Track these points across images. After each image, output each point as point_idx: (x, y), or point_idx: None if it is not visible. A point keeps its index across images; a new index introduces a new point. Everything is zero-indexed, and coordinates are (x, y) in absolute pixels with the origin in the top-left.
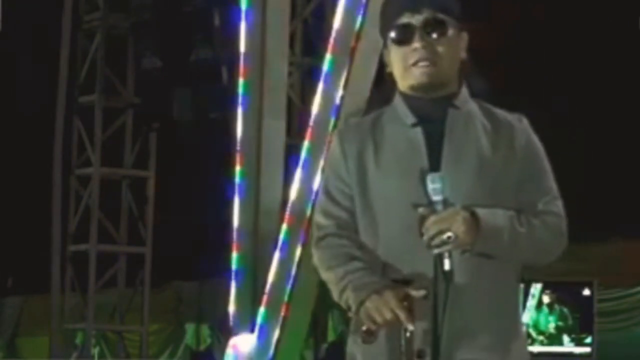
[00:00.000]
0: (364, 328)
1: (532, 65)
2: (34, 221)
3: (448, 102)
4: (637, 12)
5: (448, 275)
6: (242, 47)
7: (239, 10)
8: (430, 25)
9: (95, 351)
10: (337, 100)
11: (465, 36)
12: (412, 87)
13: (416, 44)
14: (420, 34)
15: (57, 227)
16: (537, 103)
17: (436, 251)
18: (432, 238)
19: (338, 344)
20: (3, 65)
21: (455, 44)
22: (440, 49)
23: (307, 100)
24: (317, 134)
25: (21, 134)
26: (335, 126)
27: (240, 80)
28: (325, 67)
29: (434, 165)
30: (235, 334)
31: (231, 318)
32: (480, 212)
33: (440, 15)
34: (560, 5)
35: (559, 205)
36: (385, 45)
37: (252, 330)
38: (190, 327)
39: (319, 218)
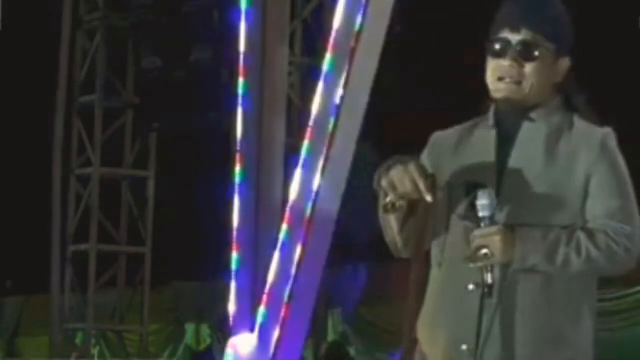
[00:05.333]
0: (387, 200)
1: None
2: (34, 221)
3: (526, 113)
4: (637, 12)
5: (490, 289)
6: (242, 47)
7: (239, 10)
8: (524, 46)
9: (95, 351)
10: (337, 100)
11: (566, 62)
12: (495, 101)
13: (507, 61)
14: (512, 52)
15: (57, 227)
16: None
17: (472, 265)
18: (473, 252)
19: (338, 344)
20: (3, 65)
21: (548, 68)
22: (528, 70)
23: (307, 100)
24: (317, 134)
25: (21, 134)
26: (335, 126)
27: (240, 80)
28: (325, 67)
29: (500, 165)
30: (235, 334)
31: (231, 318)
32: (521, 231)
33: (537, 38)
34: None
35: (631, 223)
36: (486, 55)
37: (252, 330)
38: (190, 327)
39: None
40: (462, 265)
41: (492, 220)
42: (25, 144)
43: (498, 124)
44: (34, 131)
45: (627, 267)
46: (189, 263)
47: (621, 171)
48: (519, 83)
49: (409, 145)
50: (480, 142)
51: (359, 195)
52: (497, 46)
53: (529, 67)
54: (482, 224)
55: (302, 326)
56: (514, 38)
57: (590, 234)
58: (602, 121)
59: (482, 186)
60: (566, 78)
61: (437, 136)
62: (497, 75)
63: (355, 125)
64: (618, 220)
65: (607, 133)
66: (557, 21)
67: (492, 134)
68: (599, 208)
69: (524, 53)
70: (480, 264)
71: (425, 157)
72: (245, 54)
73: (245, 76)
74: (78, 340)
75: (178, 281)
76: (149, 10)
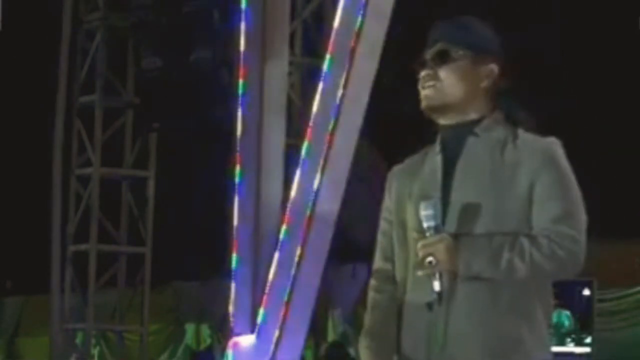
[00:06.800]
0: None
1: (531, 66)
2: (34, 221)
3: (468, 130)
4: (637, 12)
5: (439, 296)
6: (242, 47)
7: (239, 10)
8: (436, 54)
9: (95, 351)
10: (337, 100)
11: (490, 68)
12: (424, 112)
13: (423, 73)
14: (427, 64)
15: (57, 227)
16: (537, 103)
17: (420, 273)
18: (419, 261)
19: (338, 344)
20: (3, 65)
21: (466, 71)
22: (442, 74)
23: (307, 100)
24: (317, 134)
25: (21, 134)
26: (335, 126)
27: (240, 80)
28: (325, 67)
29: (447, 190)
30: (235, 334)
31: (231, 318)
32: (464, 239)
33: (449, 46)
34: (559, 6)
35: (575, 227)
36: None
37: (252, 330)
38: (190, 327)
39: (376, 251)
40: (420, 280)
41: (437, 230)
42: (25, 144)
43: (444, 148)
44: (34, 131)
45: (574, 271)
46: (189, 263)
47: (566, 177)
48: (434, 87)
49: (409, 146)
50: (428, 168)
51: (359, 195)
52: (418, 66)
53: (442, 71)
54: (427, 234)
55: (302, 326)
56: (429, 53)
57: (533, 239)
58: (544, 133)
59: (426, 197)
60: (496, 85)
61: (394, 171)
62: (419, 87)
63: (355, 125)
64: (562, 224)
65: (552, 142)
66: (470, 31)
67: (438, 158)
68: (543, 214)
69: (436, 60)
70: (427, 272)
71: (387, 196)
72: (245, 54)
73: (245, 76)
74: (78, 341)
75: (178, 281)
76: (149, 10)
